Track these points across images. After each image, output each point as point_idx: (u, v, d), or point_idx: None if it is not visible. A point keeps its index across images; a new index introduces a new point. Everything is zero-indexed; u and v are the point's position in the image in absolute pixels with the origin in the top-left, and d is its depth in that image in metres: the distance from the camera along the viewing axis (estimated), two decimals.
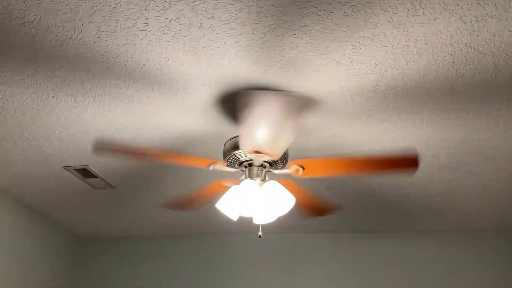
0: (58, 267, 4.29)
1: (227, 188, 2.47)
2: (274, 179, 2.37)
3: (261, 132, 2.03)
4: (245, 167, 2.34)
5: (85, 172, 3.23)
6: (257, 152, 2.21)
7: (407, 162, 2.26)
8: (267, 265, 4.28)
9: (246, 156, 2.29)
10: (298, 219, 3.99)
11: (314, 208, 2.80)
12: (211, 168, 2.35)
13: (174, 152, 2.78)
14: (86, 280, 4.50)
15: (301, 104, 1.91)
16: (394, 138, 2.71)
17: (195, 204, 2.75)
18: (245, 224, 4.12)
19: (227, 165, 2.37)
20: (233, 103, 2.41)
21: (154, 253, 4.50)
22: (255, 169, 2.32)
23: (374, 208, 3.74)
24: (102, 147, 2.27)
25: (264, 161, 2.31)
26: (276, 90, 2.29)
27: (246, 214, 2.26)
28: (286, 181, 2.48)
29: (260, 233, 2.40)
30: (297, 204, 2.64)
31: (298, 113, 1.93)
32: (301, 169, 2.32)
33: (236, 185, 2.31)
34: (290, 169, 2.33)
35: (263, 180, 2.33)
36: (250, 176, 2.31)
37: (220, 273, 4.32)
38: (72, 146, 2.90)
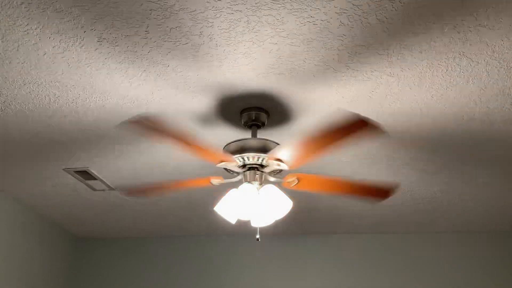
0: (57, 268, 4.32)
1: (212, 184, 2.46)
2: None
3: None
4: (244, 171, 2.36)
5: (85, 174, 3.27)
6: (277, 159, 2.22)
7: (383, 191, 2.45)
8: (264, 267, 4.31)
9: (247, 160, 2.30)
10: (295, 221, 4.03)
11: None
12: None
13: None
14: (84, 280, 4.53)
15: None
16: None
17: (160, 192, 2.69)
18: (243, 227, 4.16)
19: (227, 170, 2.40)
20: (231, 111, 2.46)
21: (153, 255, 4.53)
22: (252, 173, 2.34)
23: (371, 209, 3.78)
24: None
25: (260, 165, 2.32)
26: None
27: (244, 217, 2.29)
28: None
29: (257, 236, 2.42)
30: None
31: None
32: (296, 181, 2.35)
33: (234, 189, 2.34)
34: (290, 179, 2.36)
35: (261, 184, 2.36)
36: (248, 180, 2.35)
37: (218, 275, 4.35)
38: (72, 148, 2.94)
